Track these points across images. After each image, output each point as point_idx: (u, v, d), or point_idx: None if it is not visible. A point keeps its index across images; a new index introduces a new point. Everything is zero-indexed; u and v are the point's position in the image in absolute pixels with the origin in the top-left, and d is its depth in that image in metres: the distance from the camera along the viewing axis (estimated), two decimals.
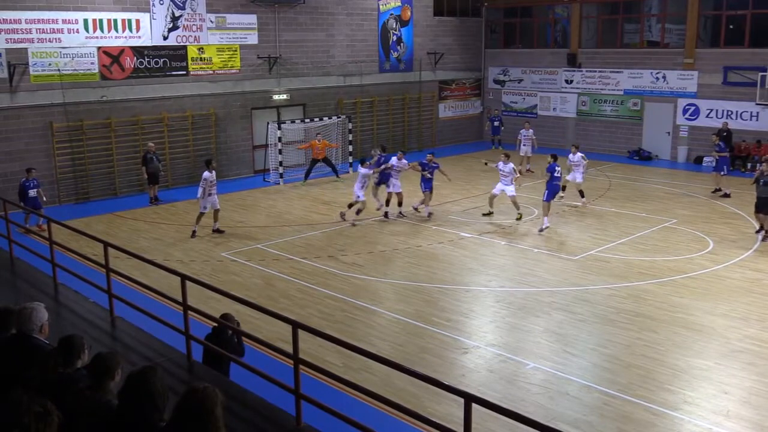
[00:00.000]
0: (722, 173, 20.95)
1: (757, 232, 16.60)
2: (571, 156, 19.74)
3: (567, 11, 30.47)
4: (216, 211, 17.23)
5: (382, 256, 15.44)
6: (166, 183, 22.07)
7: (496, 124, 29.53)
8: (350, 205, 18.09)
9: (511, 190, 18.08)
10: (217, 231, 17.17)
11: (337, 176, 23.66)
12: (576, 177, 19.67)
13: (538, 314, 12.08)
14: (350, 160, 25.11)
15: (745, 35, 25.49)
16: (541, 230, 17.12)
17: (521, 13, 32.27)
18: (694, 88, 26.38)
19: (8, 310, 5.69)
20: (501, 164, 18.21)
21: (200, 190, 16.80)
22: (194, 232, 16.96)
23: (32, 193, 17.07)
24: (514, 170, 18.15)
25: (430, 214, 18.65)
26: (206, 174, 16.77)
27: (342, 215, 18.21)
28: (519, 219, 18.04)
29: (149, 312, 8.90)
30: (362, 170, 17.82)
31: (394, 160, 18.49)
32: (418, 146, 29.75)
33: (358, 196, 17.81)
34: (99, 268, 10.05)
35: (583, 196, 19.65)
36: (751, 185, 17.03)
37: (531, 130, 24.62)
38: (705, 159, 19.68)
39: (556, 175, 17.60)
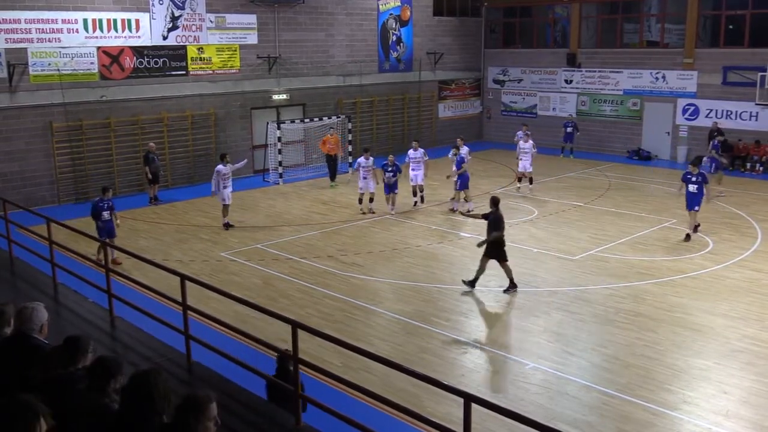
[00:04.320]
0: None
1: (508, 289, 13.03)
2: (521, 144, 21.58)
3: (566, 11, 30.47)
4: (225, 206, 17.54)
5: (382, 256, 15.44)
6: (166, 183, 22.06)
7: (569, 130, 27.31)
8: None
9: (419, 176, 19.36)
10: (227, 225, 17.49)
11: (333, 180, 23.24)
12: (526, 166, 21.33)
13: (537, 314, 12.09)
14: (350, 160, 25.08)
15: (744, 35, 25.50)
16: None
17: (521, 12, 32.28)
18: (694, 88, 26.39)
19: (2, 311, 5.68)
20: (411, 151, 19.56)
21: (213, 183, 17.36)
22: (227, 224, 17.46)
23: (106, 215, 14.42)
24: (424, 154, 19.50)
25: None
26: (219, 167, 17.32)
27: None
28: (414, 204, 19.57)
29: (149, 312, 8.90)
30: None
31: (361, 159, 19.12)
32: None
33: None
34: (98, 268, 10.07)
35: (529, 182, 21.34)
36: (478, 218, 13.85)
37: (530, 142, 21.46)
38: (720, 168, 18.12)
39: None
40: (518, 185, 21.58)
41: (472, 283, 13.05)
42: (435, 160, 25.68)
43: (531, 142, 21.60)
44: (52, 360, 4.92)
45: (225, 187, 17.25)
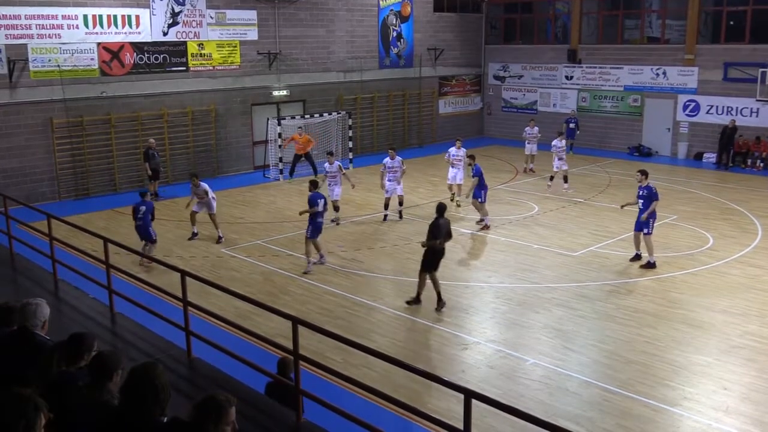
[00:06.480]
0: None
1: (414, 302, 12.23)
2: (556, 142, 21.11)
3: (567, 7, 30.43)
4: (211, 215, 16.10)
5: (383, 252, 15.44)
6: (166, 179, 22.06)
7: (571, 125, 27.05)
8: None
9: (399, 188, 17.63)
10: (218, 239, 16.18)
11: (315, 175, 22.67)
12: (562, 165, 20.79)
13: (537, 310, 12.09)
14: (350, 157, 25.06)
15: (745, 31, 25.45)
16: None
17: (521, 8, 32.23)
18: (695, 84, 26.35)
19: (10, 308, 5.70)
20: (387, 160, 17.61)
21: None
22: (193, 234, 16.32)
23: (140, 216, 14.22)
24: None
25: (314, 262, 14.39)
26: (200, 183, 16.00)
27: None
28: (384, 219, 17.59)
29: (149, 308, 8.92)
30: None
31: (335, 163, 17.54)
32: (418, 142, 29.76)
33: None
34: (99, 264, 10.07)
35: (561, 181, 20.93)
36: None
37: (536, 128, 23.85)
38: None
39: None
40: (549, 183, 21.38)
41: (416, 300, 12.21)
42: (436, 156, 25.73)
43: (537, 128, 23.53)
44: (56, 357, 4.93)
45: (197, 203, 15.96)
